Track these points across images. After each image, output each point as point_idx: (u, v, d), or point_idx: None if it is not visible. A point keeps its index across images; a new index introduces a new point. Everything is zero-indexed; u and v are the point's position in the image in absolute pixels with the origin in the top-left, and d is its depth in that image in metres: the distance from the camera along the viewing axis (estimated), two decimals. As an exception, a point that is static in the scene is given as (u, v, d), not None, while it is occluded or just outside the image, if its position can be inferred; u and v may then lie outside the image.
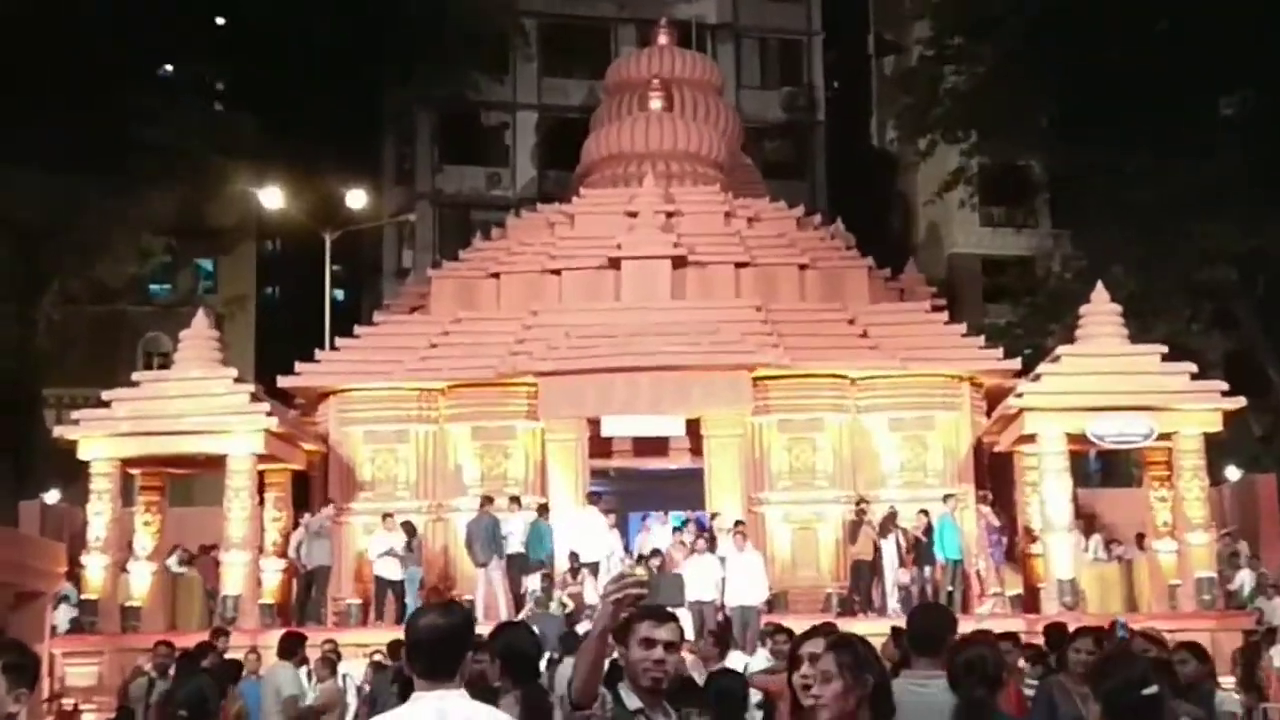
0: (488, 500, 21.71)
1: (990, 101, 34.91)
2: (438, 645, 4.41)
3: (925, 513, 21.63)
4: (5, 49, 28.58)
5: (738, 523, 21.05)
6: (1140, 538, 22.56)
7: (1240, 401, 21.62)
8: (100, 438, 21.30)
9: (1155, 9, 31.35)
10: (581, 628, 18.23)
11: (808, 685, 4.76)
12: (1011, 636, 11.34)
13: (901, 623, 12.76)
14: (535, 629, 14.18)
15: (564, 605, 19.30)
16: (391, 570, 21.43)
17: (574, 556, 20.42)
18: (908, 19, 40.47)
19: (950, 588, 21.03)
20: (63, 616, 20.23)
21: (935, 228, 42.70)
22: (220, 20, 38.26)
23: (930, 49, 36.07)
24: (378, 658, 15.08)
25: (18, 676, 4.38)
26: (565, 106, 42.49)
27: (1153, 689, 3.97)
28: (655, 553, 20.66)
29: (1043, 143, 36.69)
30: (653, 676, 4.64)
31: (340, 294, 41.21)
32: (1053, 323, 31.68)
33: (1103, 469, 27.28)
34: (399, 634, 17.41)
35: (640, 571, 4.52)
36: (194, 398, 21.38)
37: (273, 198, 34.16)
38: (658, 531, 22.08)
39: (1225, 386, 21.55)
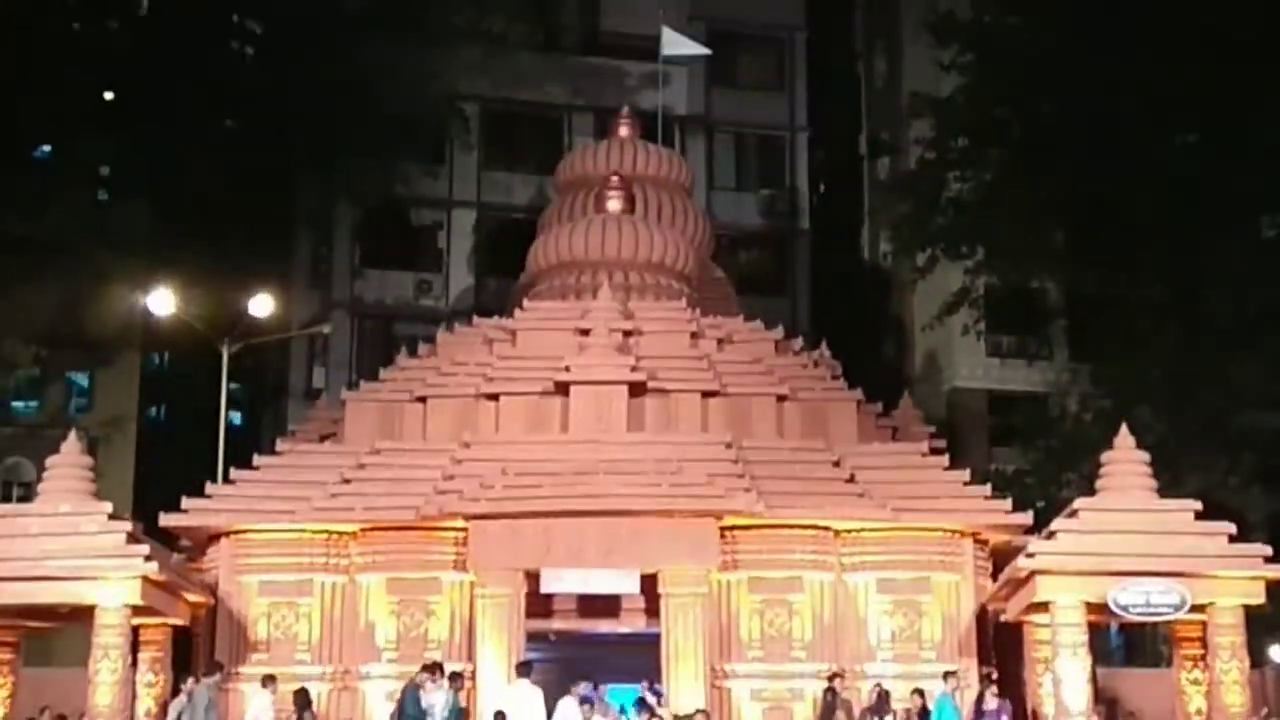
0: (433, 668, 20.70)
1: (1000, 213, 35.32)
2: None
3: (920, 692, 21.34)
4: None
5: (699, 711, 20.61)
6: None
7: (1288, 570, 21.58)
8: (-49, 579, 20.93)
9: (1188, 118, 31.69)
10: None
11: None
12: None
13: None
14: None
15: None
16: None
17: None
18: (907, 117, 40.58)
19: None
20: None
21: (934, 357, 42.86)
22: (109, 94, 38.25)
23: (932, 151, 36.45)
24: None
25: None
26: (508, 205, 42.98)
27: None
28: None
29: (1059, 263, 37.02)
30: None
31: (237, 417, 40.97)
32: (1069, 471, 31.85)
33: (1126, 645, 27.04)
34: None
35: None
36: (60, 536, 20.87)
37: (162, 302, 33.77)
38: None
39: (1269, 551, 21.43)
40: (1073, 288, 38.41)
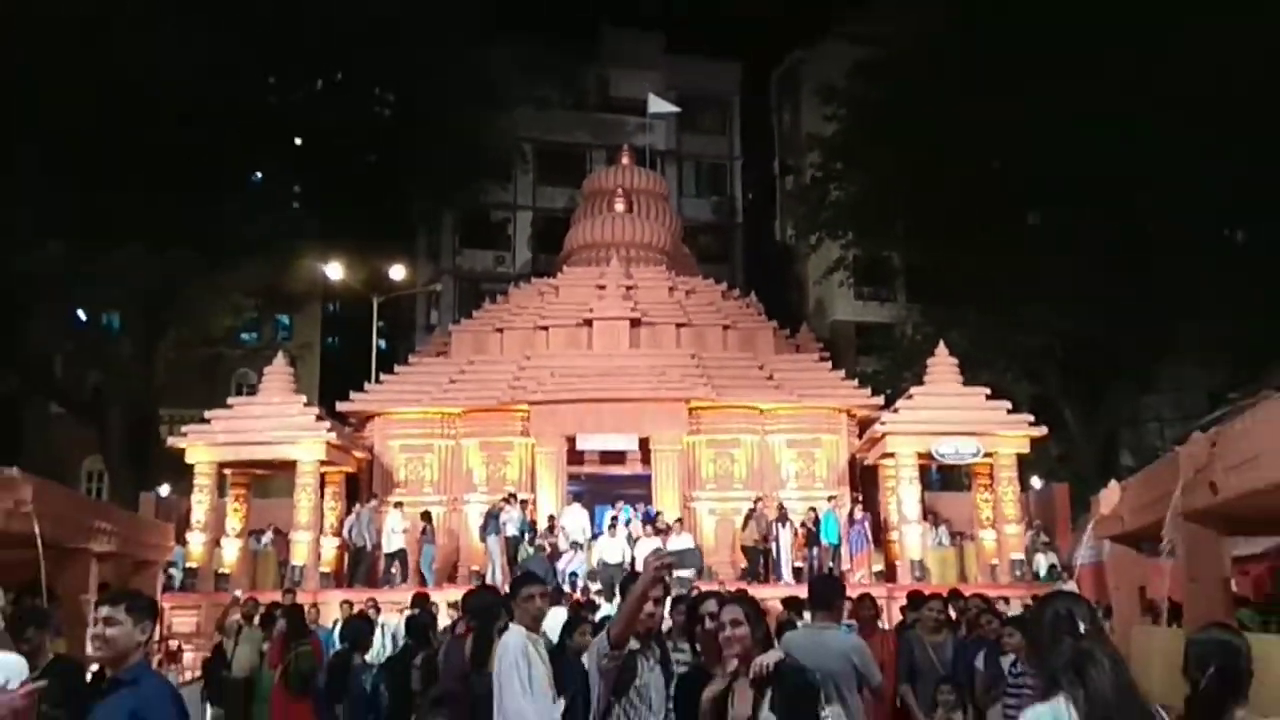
0: (510, 497, 21.42)
1: (862, 211, 35.17)
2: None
3: (814, 509, 21.62)
4: (147, 160, 28.60)
5: (677, 519, 20.99)
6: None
7: (1042, 430, 21.79)
8: (203, 446, 21.20)
9: (987, 150, 31.57)
10: (560, 563, 19.35)
11: (713, 631, 4.70)
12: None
13: (794, 591, 12.79)
14: (532, 569, 14.39)
15: (542, 549, 19.74)
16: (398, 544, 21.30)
17: (562, 531, 20.76)
18: (803, 149, 40.52)
19: (831, 564, 20.99)
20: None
21: (821, 301, 42.88)
22: (298, 140, 38.01)
23: (820, 171, 36.25)
24: (408, 613, 14.87)
25: (141, 614, 4.33)
26: (552, 208, 42.58)
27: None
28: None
29: (900, 241, 36.78)
30: (647, 626, 4.67)
31: (383, 344, 40.96)
32: (906, 371, 31.75)
33: (941, 478, 27.23)
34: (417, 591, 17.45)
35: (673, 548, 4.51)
36: (273, 417, 21.26)
37: (334, 271, 34.18)
38: (631, 518, 21.49)
39: (1031, 419, 21.71)
40: (908, 256, 38.09)
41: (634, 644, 4.69)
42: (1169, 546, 12.24)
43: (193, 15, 28.72)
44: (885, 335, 40.18)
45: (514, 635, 5.64)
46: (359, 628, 7.87)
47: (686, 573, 12.97)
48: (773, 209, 49.12)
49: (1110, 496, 15.65)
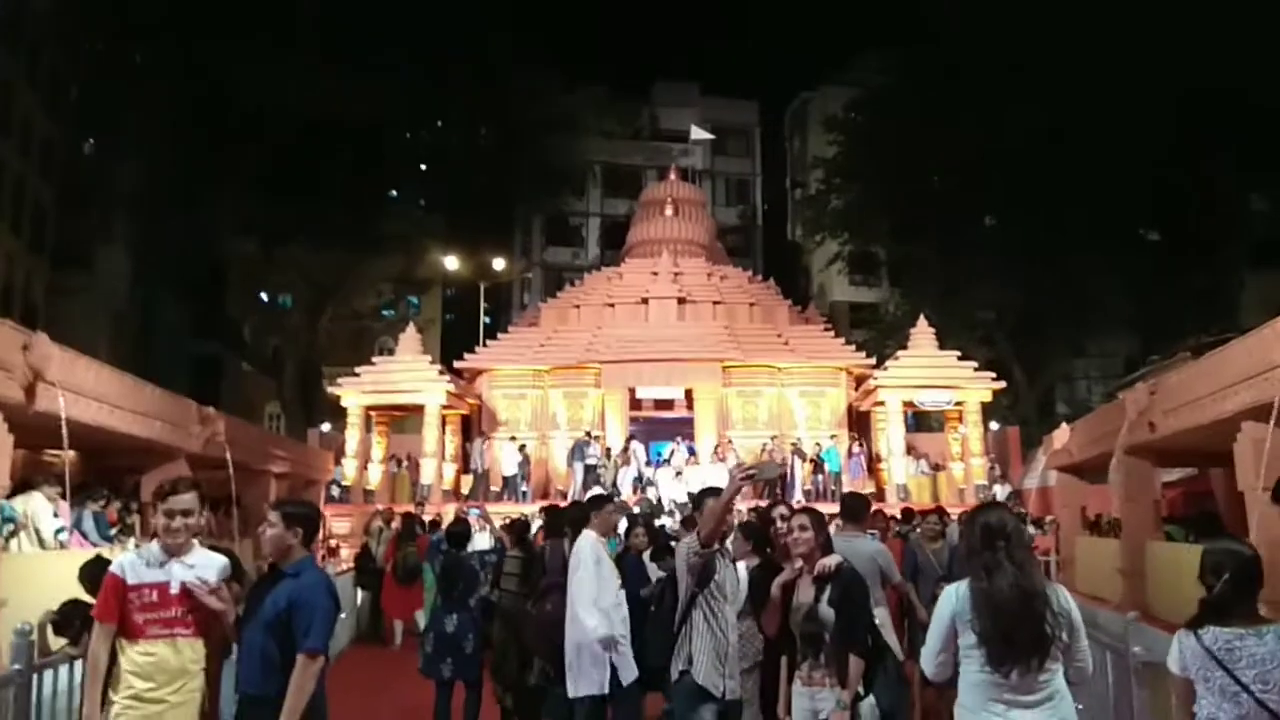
0: (588, 435, 21.17)
1: (855, 216, 34.65)
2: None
3: (819, 444, 21.14)
4: (315, 178, 28.80)
5: (717, 446, 20.63)
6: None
7: (1002, 384, 21.10)
8: (354, 393, 21.06)
9: (953, 168, 30.80)
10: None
11: (785, 533, 4.30)
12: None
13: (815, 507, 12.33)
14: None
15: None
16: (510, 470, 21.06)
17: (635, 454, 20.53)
18: (809, 169, 39.84)
19: (833, 488, 20.49)
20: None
21: (823, 286, 42.18)
22: (424, 167, 37.88)
23: (822, 185, 35.61)
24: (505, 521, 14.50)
25: (291, 520, 3.96)
26: (615, 215, 42.16)
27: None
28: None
29: (884, 239, 36.09)
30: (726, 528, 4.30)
31: (488, 319, 40.94)
32: (889, 340, 31.22)
33: (916, 421, 26.54)
34: (519, 507, 17.30)
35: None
36: (407, 372, 21.07)
37: (451, 263, 34.16)
38: (678, 450, 20.95)
39: (993, 375, 20.98)
40: (891, 252, 37.40)
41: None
42: (1117, 474, 11.67)
43: (344, 61, 28.67)
44: (873, 312, 39.50)
45: (586, 538, 5.68)
46: (459, 532, 7.61)
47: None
48: (785, 215, 48.40)
49: (1061, 435, 15.05)
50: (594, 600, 5.35)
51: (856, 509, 5.80)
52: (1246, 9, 24.27)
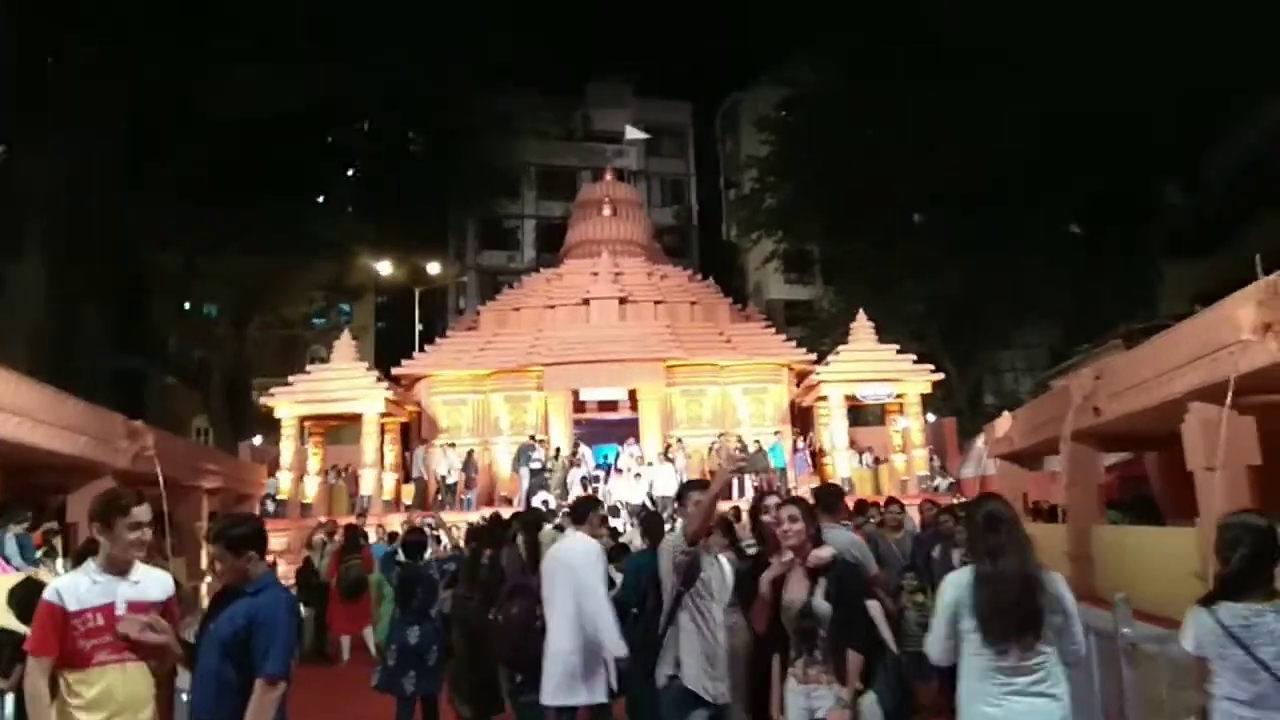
0: (532, 439, 20.75)
1: (789, 214, 34.93)
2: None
3: (758, 441, 20.98)
4: (238, 185, 27.87)
5: (667, 448, 20.52)
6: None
7: (940, 375, 21.32)
8: (288, 403, 20.29)
9: (882, 167, 31.10)
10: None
11: (772, 524, 4.13)
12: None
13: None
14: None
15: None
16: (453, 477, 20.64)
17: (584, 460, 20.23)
18: (742, 168, 40.00)
19: (779, 484, 20.42)
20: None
21: (759, 284, 42.40)
22: (352, 171, 37.02)
23: (756, 184, 35.79)
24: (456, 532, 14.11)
25: (238, 545, 3.65)
26: (550, 217, 41.72)
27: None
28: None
29: (818, 237, 36.43)
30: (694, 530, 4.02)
31: (422, 325, 40.44)
32: (824, 336, 31.44)
33: (854, 417, 26.74)
34: (464, 515, 16.90)
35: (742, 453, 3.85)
36: (343, 380, 20.44)
37: (384, 268, 33.37)
38: (624, 452, 20.78)
39: (932, 367, 21.19)
40: (824, 249, 37.77)
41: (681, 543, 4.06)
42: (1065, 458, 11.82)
43: (265, 65, 27.74)
44: (807, 309, 39.77)
45: (585, 543, 5.40)
46: (415, 542, 7.33)
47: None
48: (720, 215, 48.52)
49: (1003, 423, 15.25)
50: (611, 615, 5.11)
51: (831, 500, 5.66)
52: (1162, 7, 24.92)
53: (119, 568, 3.54)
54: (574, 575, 5.20)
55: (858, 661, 3.56)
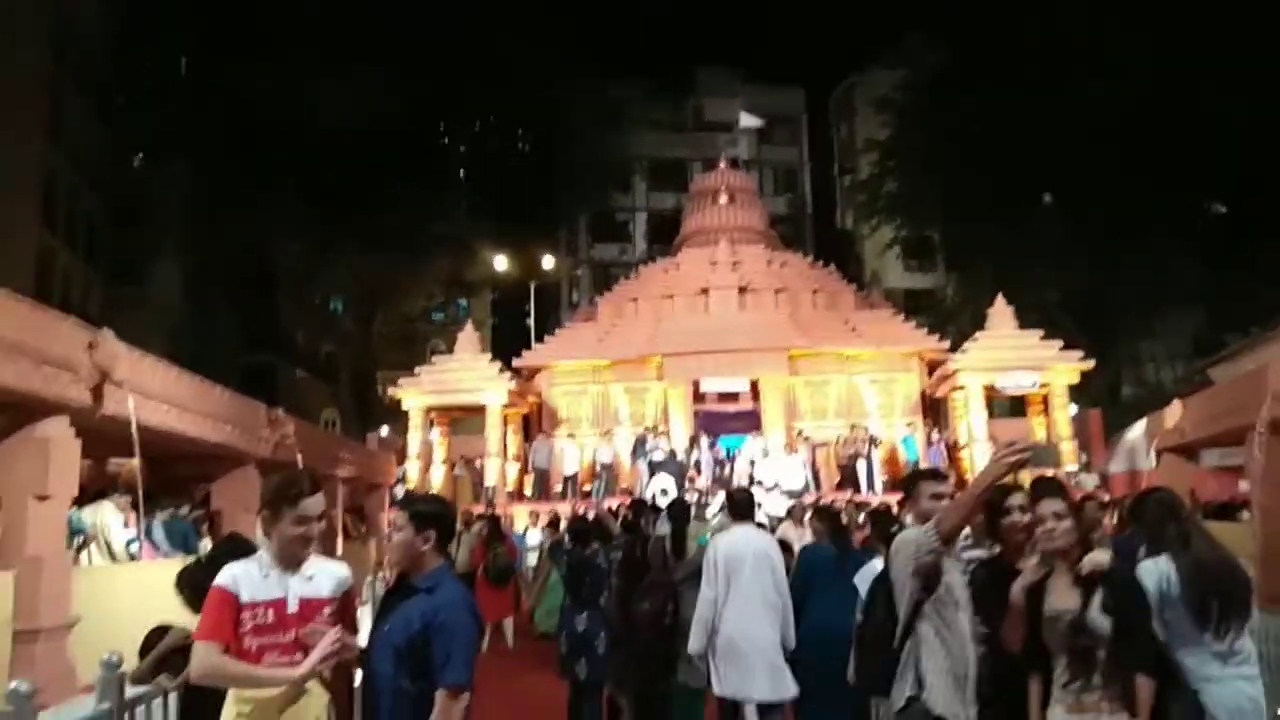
0: (648, 430, 20.49)
1: (910, 199, 33.78)
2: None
3: (873, 435, 20.16)
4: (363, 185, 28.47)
5: (786, 445, 19.82)
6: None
7: (1091, 363, 19.98)
8: (415, 394, 20.56)
9: (1008, 147, 29.64)
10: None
11: (1016, 525, 3.52)
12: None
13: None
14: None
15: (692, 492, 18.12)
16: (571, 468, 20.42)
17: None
18: (857, 155, 38.89)
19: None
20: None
21: (876, 273, 41.13)
22: (469, 167, 37.44)
23: (876, 169, 34.66)
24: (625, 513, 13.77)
25: (422, 522, 3.24)
26: (661, 209, 41.54)
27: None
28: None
29: (940, 223, 35.04)
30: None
31: (534, 320, 40.83)
32: (947, 325, 30.22)
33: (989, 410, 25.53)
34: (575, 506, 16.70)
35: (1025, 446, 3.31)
36: (468, 371, 20.55)
37: (500, 263, 33.66)
38: (751, 444, 20.08)
39: (1082, 354, 19.82)
40: (946, 236, 36.38)
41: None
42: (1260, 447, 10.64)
43: (385, 68, 28.26)
44: (929, 298, 38.41)
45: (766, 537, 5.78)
46: (582, 530, 7.24)
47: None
48: (833, 203, 47.38)
49: (1173, 413, 13.98)
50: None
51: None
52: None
53: (289, 560, 3.18)
54: (772, 569, 5.29)
55: (1149, 689, 2.93)
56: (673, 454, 19.21)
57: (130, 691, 3.64)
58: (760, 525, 7.91)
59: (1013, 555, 3.45)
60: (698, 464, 18.93)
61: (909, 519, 3.73)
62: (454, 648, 3.02)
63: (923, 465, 19.67)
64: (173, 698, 3.78)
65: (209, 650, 2.99)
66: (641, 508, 9.91)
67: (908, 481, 3.77)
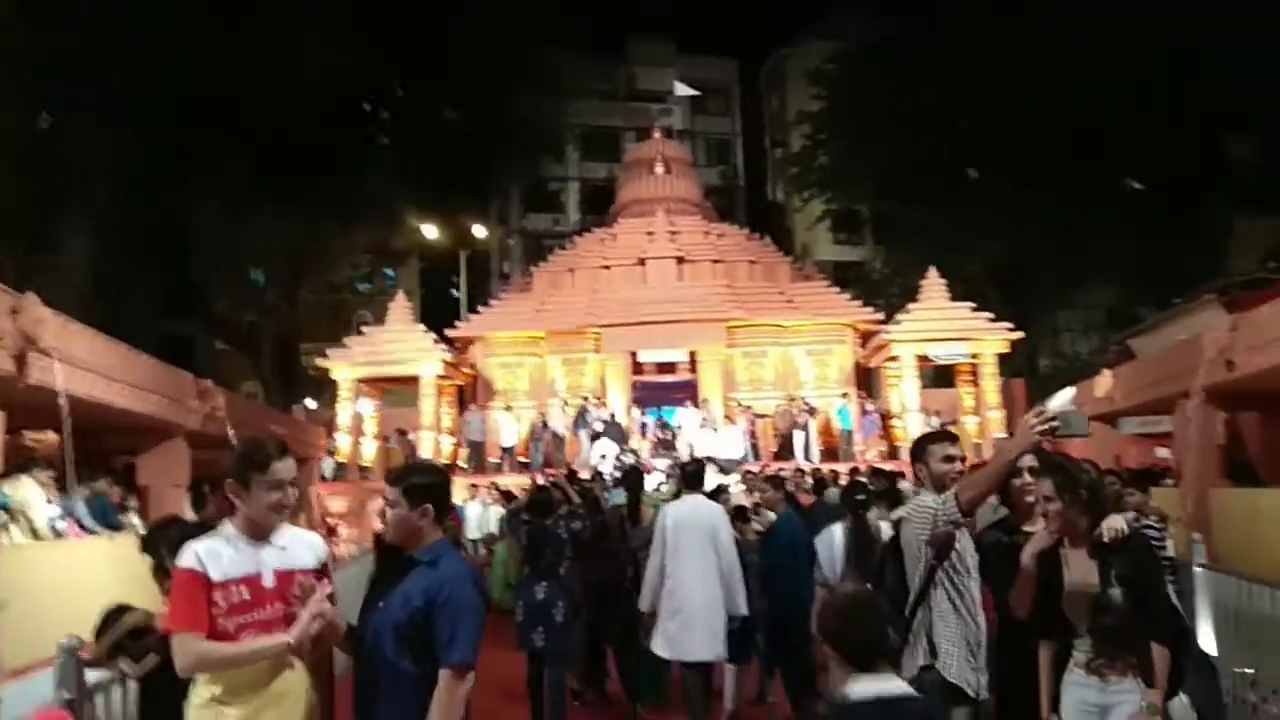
0: (586, 400, 20.37)
1: (840, 172, 34.01)
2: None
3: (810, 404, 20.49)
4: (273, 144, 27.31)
5: (725, 416, 19.89)
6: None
7: (1019, 335, 20.43)
8: (345, 366, 19.99)
9: (934, 121, 30.01)
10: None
11: (1022, 488, 3.47)
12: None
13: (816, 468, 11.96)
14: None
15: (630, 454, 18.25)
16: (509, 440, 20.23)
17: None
18: (789, 127, 38.96)
19: (847, 446, 19.87)
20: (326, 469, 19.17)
21: (806, 245, 41.35)
22: (396, 134, 36.35)
23: (808, 141, 34.79)
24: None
25: (417, 495, 3.04)
26: (594, 179, 41.30)
27: None
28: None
29: (869, 196, 35.35)
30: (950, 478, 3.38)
31: (460, 291, 40.15)
32: (876, 298, 30.64)
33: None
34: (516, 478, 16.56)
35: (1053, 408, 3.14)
36: (400, 342, 20.09)
37: (430, 232, 32.90)
38: (683, 414, 20.28)
39: (1011, 325, 20.25)
40: (875, 209, 36.78)
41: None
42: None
43: (311, 32, 27.20)
44: (858, 270, 38.73)
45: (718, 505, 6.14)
46: (542, 500, 7.13)
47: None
48: (765, 174, 47.52)
49: (1103, 382, 14.39)
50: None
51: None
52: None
53: (260, 532, 2.94)
54: (714, 536, 5.52)
55: (1165, 658, 2.90)
56: (613, 420, 19.22)
57: (91, 678, 3.34)
58: (712, 495, 7.97)
59: (1021, 517, 3.39)
60: (643, 429, 18.90)
61: (909, 485, 3.66)
62: (459, 624, 2.85)
63: (856, 435, 20.04)
64: (132, 685, 3.49)
65: (190, 641, 2.75)
66: (577, 477, 10.00)
67: (915, 445, 3.65)
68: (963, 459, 3.51)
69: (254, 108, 27.16)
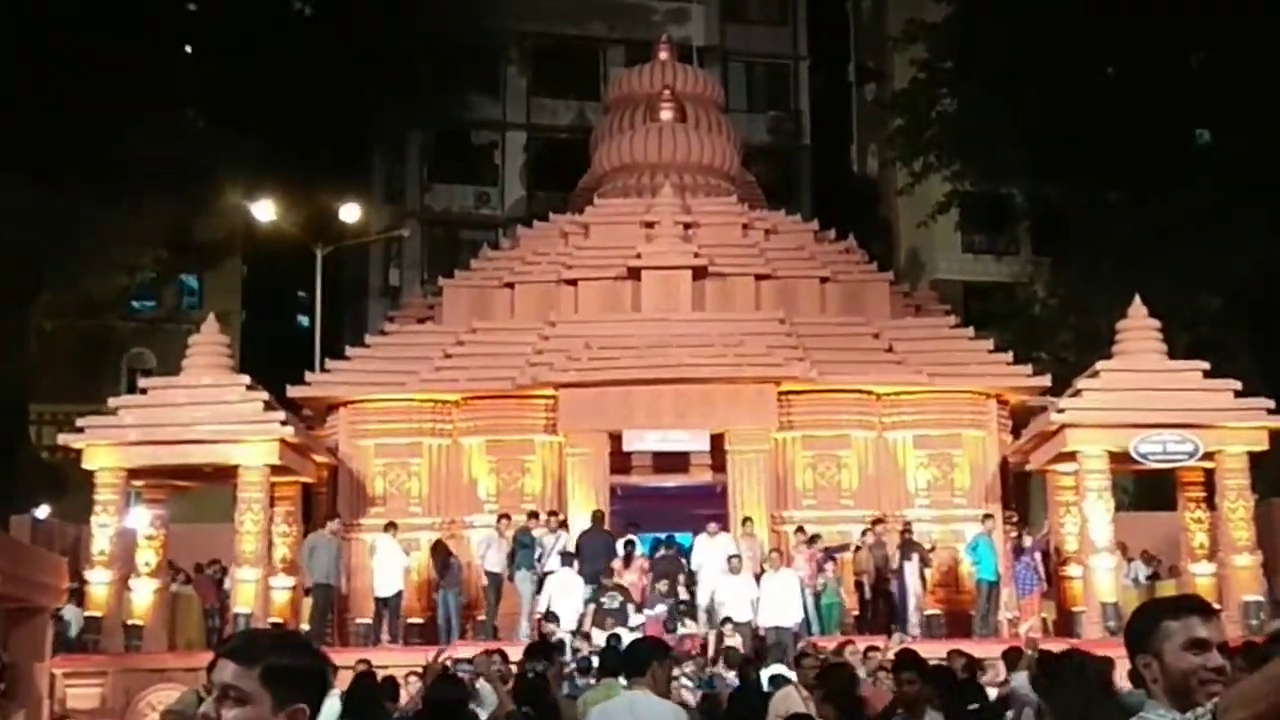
0: (505, 517, 20.53)
1: (975, 128, 34.34)
2: None
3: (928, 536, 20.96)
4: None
5: (774, 550, 20.06)
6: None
7: (1289, 420, 20.53)
8: (107, 446, 19.78)
9: (1130, 50, 30.59)
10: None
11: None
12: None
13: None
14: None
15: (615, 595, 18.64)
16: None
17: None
18: (898, 43, 39.08)
19: (986, 609, 19.87)
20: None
21: (917, 253, 41.77)
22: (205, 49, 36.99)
23: (923, 73, 35.37)
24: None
25: (290, 688, 2.90)
26: (554, 126, 42.05)
27: None
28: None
29: (1023, 172, 35.97)
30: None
31: (305, 320, 40.22)
32: (1036, 349, 30.84)
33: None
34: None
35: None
36: (206, 405, 19.98)
37: (262, 211, 33.18)
38: (705, 545, 20.30)
39: (1272, 404, 20.29)
40: (1035, 194, 37.32)
41: None
42: None
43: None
44: (1005, 298, 39.41)
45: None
46: (447, 702, 7.24)
47: None
48: (849, 127, 48.24)
49: None
50: None
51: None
52: None
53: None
54: None
55: None
56: (579, 553, 19.46)
57: None
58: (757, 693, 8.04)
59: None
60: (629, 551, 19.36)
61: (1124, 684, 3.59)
62: None
63: (1004, 589, 19.99)
64: None
65: None
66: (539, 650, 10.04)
67: (1138, 619, 3.54)
68: (1225, 647, 3.41)
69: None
